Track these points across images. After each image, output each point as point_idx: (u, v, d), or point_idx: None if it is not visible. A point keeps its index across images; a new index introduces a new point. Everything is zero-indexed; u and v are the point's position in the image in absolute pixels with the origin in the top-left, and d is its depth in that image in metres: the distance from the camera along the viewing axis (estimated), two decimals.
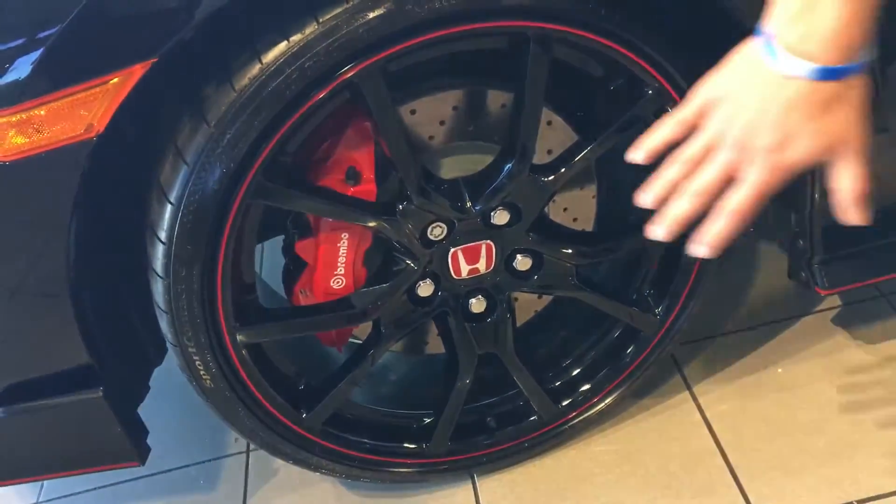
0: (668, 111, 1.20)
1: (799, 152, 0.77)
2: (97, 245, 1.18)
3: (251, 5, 1.00)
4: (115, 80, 0.98)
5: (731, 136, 0.78)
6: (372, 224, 1.18)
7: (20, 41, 0.96)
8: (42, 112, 0.98)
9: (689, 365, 1.61)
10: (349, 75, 1.03)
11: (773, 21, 0.75)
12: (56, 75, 0.97)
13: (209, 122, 1.03)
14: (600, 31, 1.10)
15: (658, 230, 0.83)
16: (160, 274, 1.11)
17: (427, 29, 1.03)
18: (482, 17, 1.05)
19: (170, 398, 1.74)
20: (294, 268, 1.29)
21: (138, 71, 0.98)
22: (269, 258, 1.91)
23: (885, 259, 1.34)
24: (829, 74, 0.73)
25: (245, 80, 1.01)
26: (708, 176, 0.80)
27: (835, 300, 1.67)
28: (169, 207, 1.07)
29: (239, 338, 1.19)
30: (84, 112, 0.99)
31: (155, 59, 0.97)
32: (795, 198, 1.30)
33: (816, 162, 0.78)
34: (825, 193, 1.27)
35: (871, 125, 0.78)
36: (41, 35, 0.95)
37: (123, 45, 0.97)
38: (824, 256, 1.31)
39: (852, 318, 1.63)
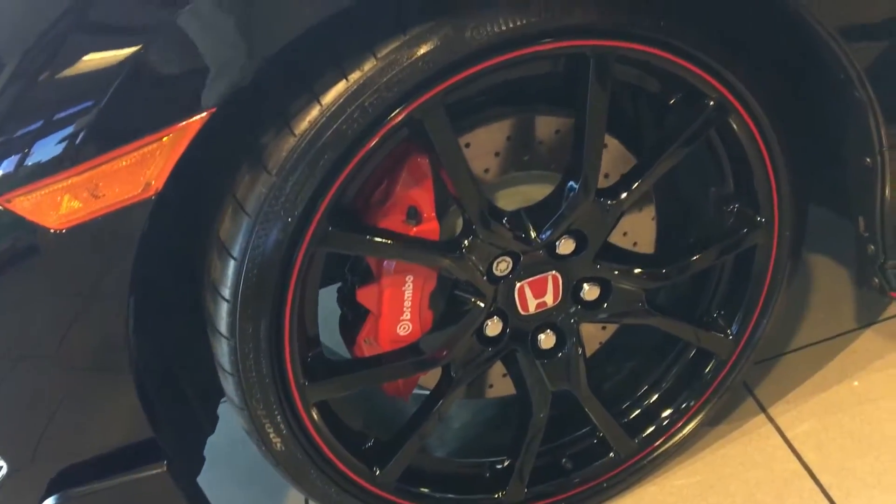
0: (729, 122, 1.17)
1: None
2: (152, 311, 1.13)
3: (307, 47, 0.97)
4: (172, 134, 0.94)
5: None
6: (440, 263, 1.13)
7: (72, 101, 0.93)
8: (97, 175, 0.94)
9: (759, 386, 1.55)
10: (411, 109, 1.00)
11: None
12: (110, 135, 0.93)
13: (270, 170, 0.99)
14: (660, 44, 1.07)
15: None
16: (225, 334, 1.06)
17: (487, 55, 1.00)
18: (549, 37, 1.01)
19: (218, 470, 1.67)
20: (354, 317, 1.24)
21: (196, 123, 0.94)
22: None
23: None
24: None
25: (305, 124, 0.98)
26: None
27: None
28: (232, 263, 1.02)
29: (309, 395, 1.13)
30: (141, 171, 0.95)
31: (213, 110, 0.93)
32: (862, 200, 1.26)
33: None
34: (895, 191, 1.24)
35: None
36: (94, 94, 0.92)
37: (180, 97, 0.93)
38: None
39: None
